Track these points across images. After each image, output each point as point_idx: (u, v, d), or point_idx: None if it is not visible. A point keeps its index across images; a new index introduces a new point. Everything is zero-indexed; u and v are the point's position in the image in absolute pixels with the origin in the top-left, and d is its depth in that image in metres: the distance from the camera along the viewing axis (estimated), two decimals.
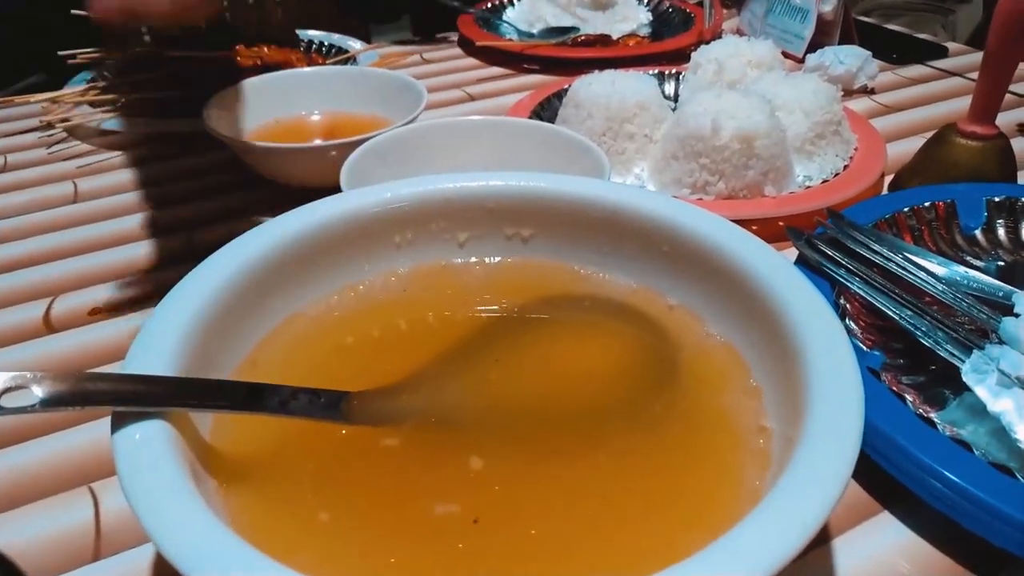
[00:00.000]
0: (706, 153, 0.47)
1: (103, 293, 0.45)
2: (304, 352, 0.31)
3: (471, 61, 0.83)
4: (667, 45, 0.79)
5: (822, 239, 0.39)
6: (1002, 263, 0.40)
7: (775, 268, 0.30)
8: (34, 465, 0.33)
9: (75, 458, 0.33)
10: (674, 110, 0.54)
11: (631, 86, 0.53)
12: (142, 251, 0.49)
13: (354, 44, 0.81)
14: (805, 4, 0.77)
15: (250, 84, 0.60)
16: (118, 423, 0.21)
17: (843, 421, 0.21)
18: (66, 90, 0.70)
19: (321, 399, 0.26)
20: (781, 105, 0.52)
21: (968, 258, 0.42)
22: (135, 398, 0.21)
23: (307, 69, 0.63)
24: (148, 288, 0.45)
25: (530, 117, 0.59)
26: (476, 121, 0.50)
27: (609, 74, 0.54)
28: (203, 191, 0.56)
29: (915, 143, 0.60)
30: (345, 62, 0.77)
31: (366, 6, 1.08)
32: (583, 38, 0.82)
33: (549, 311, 0.34)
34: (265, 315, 0.32)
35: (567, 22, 0.86)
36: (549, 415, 0.27)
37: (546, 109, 0.62)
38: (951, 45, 0.82)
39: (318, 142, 0.51)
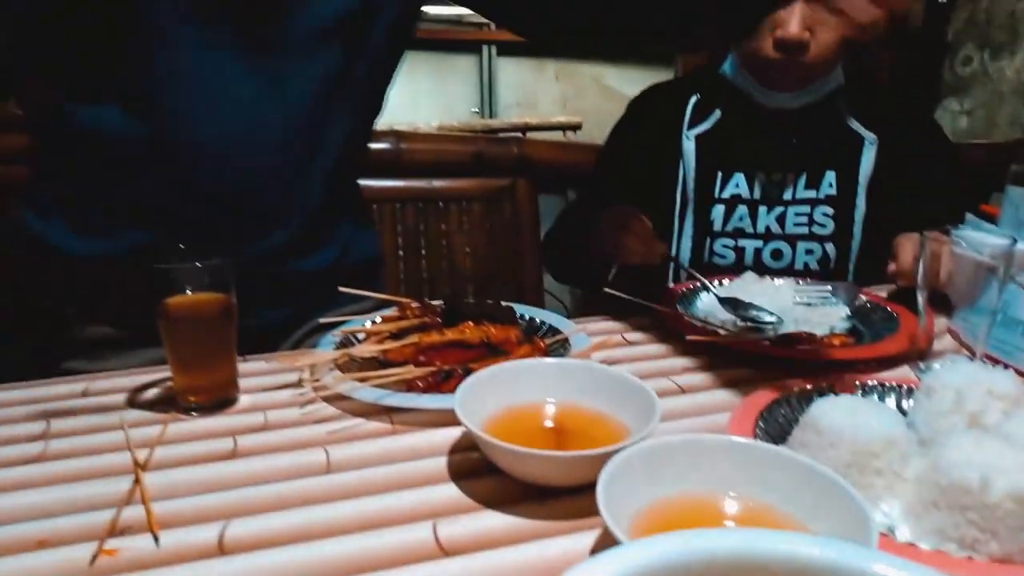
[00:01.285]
0: (974, 508, 0.45)
1: None
2: None
3: (674, 346, 0.86)
4: (880, 350, 0.79)
5: None
6: None
7: None
8: None
9: None
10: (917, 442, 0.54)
11: (876, 418, 0.53)
12: (384, 541, 0.52)
13: (565, 324, 0.87)
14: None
15: (489, 371, 0.66)
16: None
17: None
18: (319, 353, 0.80)
19: None
20: None
21: None
22: None
23: (544, 361, 0.68)
24: None
25: (755, 432, 0.60)
26: (719, 440, 0.52)
27: (849, 401, 0.55)
28: (445, 474, 0.60)
29: None
30: (561, 343, 0.83)
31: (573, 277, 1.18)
32: (790, 334, 0.84)
33: None
34: None
35: (766, 315, 0.89)
36: None
37: (767, 421, 0.62)
38: None
39: (559, 452, 0.54)
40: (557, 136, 3.10)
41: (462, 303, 0.86)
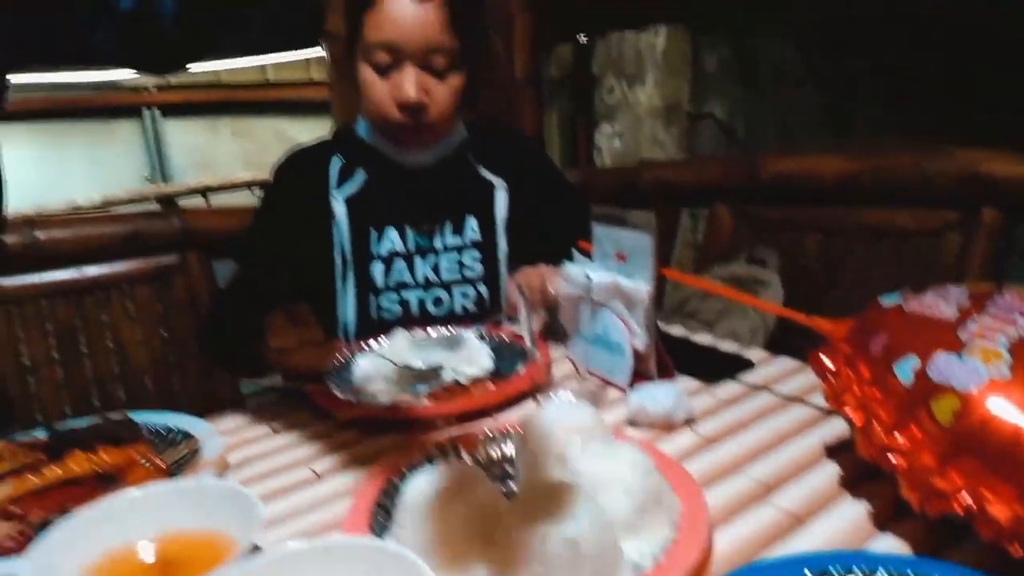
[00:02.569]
0: (538, 560, 0.49)
1: None
2: None
3: (322, 427, 0.84)
4: (505, 392, 0.84)
5: None
6: None
7: None
8: None
9: None
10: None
11: (464, 491, 0.55)
12: None
13: (200, 427, 0.81)
14: (620, 340, 0.86)
15: (78, 518, 0.58)
16: None
17: None
18: None
19: None
20: (601, 484, 0.55)
21: None
22: None
23: (135, 492, 0.61)
24: None
25: (370, 517, 0.60)
26: (305, 549, 0.50)
27: (432, 476, 0.56)
28: None
29: (737, 483, 0.65)
30: (190, 452, 0.76)
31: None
32: (440, 391, 0.87)
33: None
34: None
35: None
36: None
37: (389, 495, 0.62)
38: (755, 354, 0.93)
39: None
40: (244, 194, 2.96)
41: (68, 430, 0.76)
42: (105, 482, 0.71)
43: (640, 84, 3.33)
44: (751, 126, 2.87)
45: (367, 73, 1.11)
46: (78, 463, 0.72)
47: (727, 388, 0.84)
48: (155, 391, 1.66)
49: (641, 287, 0.83)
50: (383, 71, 1.10)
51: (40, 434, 0.79)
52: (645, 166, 1.93)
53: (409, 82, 1.09)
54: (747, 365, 0.90)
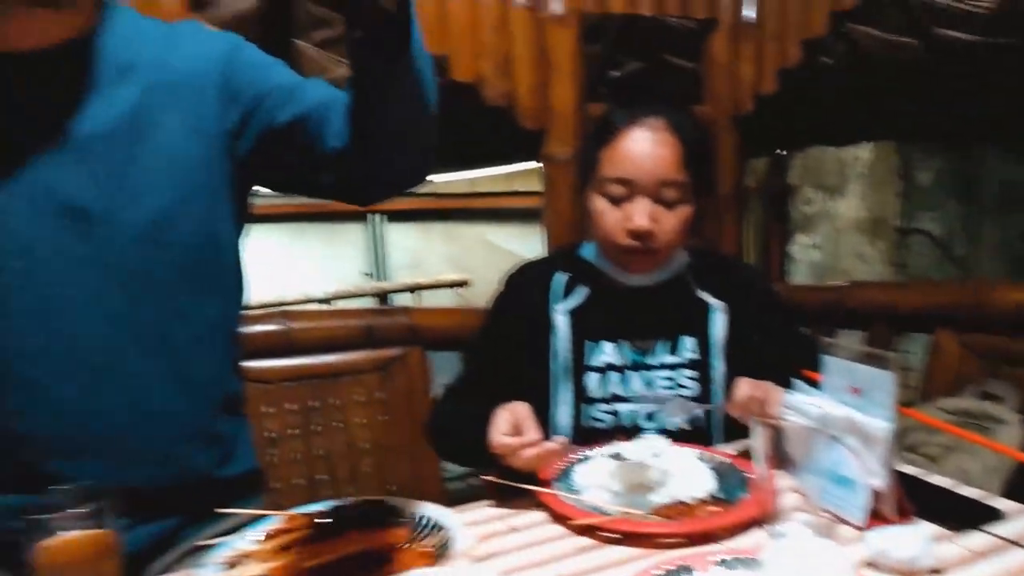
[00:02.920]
0: None
1: None
2: None
3: (555, 529, 0.90)
4: (736, 516, 0.86)
5: None
6: None
7: None
8: None
9: None
10: None
11: None
12: None
13: (448, 518, 0.90)
14: (854, 476, 0.85)
15: None
16: None
17: None
18: None
19: None
20: None
21: None
22: None
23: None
24: None
25: None
26: None
27: None
28: None
29: None
30: (446, 541, 0.85)
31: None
32: (664, 508, 0.91)
33: None
34: None
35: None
36: None
37: None
38: (1003, 503, 0.88)
39: None
40: (447, 293, 3.26)
41: (343, 508, 0.88)
42: (377, 560, 0.81)
43: (841, 195, 3.26)
44: (972, 245, 2.70)
45: (600, 203, 1.22)
46: (355, 540, 0.84)
47: (974, 539, 0.80)
48: (372, 470, 1.82)
49: (880, 425, 0.83)
50: (616, 201, 1.20)
51: (318, 508, 0.91)
52: (855, 286, 1.89)
53: (640, 213, 1.18)
54: (995, 516, 0.85)
